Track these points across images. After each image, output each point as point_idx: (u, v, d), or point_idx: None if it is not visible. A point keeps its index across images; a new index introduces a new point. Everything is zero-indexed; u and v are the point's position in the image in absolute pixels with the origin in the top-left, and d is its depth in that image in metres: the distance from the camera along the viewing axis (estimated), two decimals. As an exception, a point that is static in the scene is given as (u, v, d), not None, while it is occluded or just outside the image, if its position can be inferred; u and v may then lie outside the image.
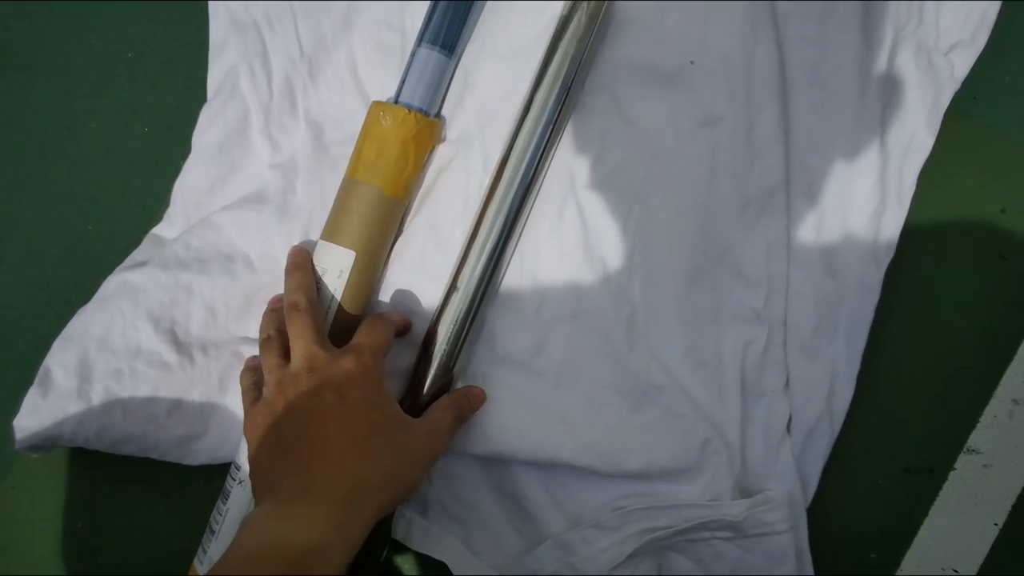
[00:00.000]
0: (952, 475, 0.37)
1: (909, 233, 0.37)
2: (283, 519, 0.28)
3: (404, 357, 0.38)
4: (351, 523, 0.29)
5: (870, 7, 0.36)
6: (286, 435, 0.30)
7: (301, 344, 0.32)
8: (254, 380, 0.35)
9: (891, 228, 0.37)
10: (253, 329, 0.38)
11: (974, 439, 0.37)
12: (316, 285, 0.35)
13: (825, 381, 0.37)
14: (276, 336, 0.34)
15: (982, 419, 0.37)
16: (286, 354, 0.33)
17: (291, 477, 0.30)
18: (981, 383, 0.38)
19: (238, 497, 0.34)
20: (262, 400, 0.32)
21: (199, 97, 0.40)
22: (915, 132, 0.37)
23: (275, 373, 0.32)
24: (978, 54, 0.36)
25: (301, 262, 0.36)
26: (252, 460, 0.31)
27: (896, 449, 0.38)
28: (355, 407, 0.31)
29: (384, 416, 0.32)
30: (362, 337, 0.34)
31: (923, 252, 0.38)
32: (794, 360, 0.38)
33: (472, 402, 0.36)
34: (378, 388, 0.32)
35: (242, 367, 0.37)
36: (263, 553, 0.27)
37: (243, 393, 0.35)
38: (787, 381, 0.38)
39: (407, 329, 0.37)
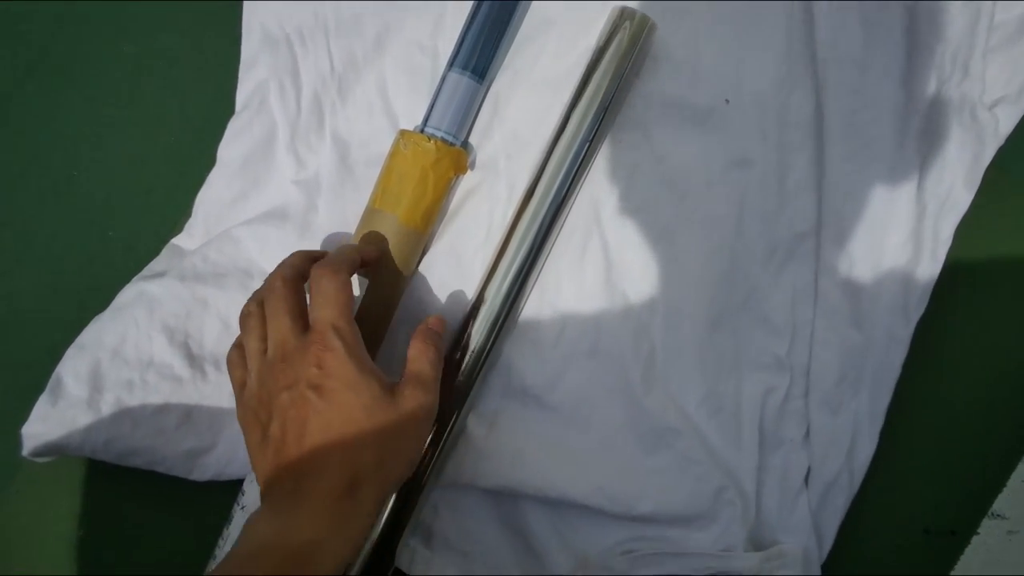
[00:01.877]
0: (975, 540, 0.36)
1: (942, 289, 0.36)
2: (278, 519, 0.28)
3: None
4: (347, 516, 0.29)
5: (913, 57, 0.36)
6: (272, 432, 0.30)
7: (274, 327, 0.31)
8: (239, 354, 0.33)
9: (923, 282, 0.36)
10: (267, 347, 0.37)
11: (999, 504, 0.36)
12: (304, 269, 0.33)
13: (847, 435, 0.36)
14: (256, 312, 0.32)
15: (1009, 483, 0.36)
16: (266, 334, 0.32)
17: (283, 478, 0.29)
18: (1010, 446, 0.37)
19: (240, 524, 0.33)
20: (247, 390, 0.31)
21: (227, 110, 0.40)
22: (953, 187, 0.36)
23: (255, 361, 0.32)
24: (1023, 112, 0.35)
25: (307, 252, 0.35)
26: (249, 454, 0.31)
27: (917, 509, 0.37)
28: (332, 397, 0.30)
29: (364, 397, 0.30)
30: (318, 310, 0.31)
31: (955, 309, 0.37)
32: (815, 412, 0.37)
33: (437, 328, 0.34)
34: (352, 367, 0.30)
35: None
36: (259, 552, 0.27)
37: (229, 368, 0.33)
38: (807, 432, 0.37)
39: (369, 258, 0.35)
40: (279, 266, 0.33)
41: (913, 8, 0.35)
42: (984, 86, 0.36)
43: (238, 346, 0.34)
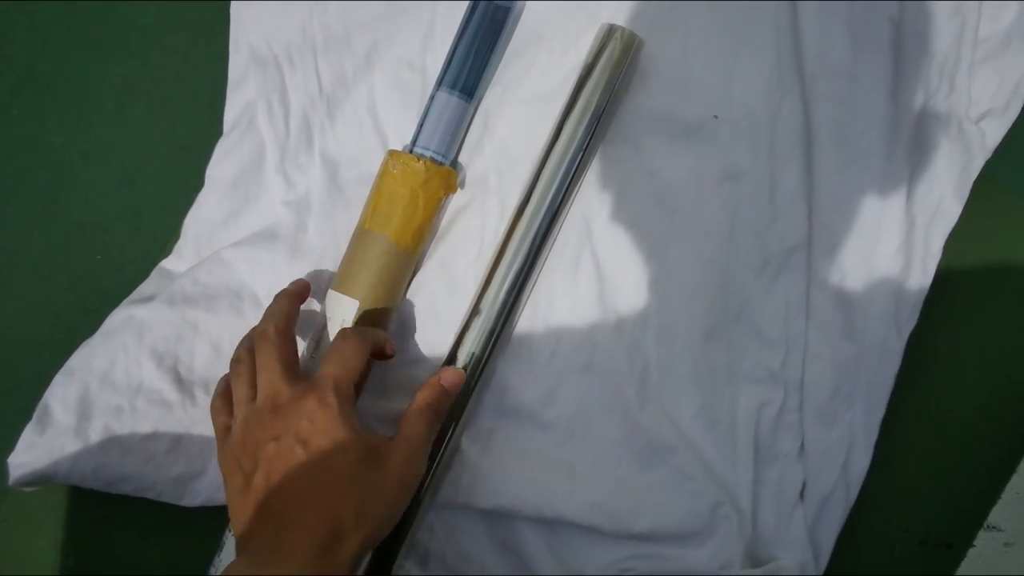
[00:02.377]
0: (971, 552, 0.36)
1: (933, 300, 0.36)
2: (258, 570, 0.28)
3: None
4: (327, 572, 0.29)
5: (900, 71, 0.36)
6: (256, 482, 0.30)
7: (265, 377, 0.31)
8: (224, 400, 0.34)
9: (914, 294, 0.36)
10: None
11: (995, 516, 0.36)
12: (297, 312, 0.34)
13: (841, 448, 0.36)
14: (245, 359, 0.33)
15: (1004, 495, 0.36)
16: (256, 382, 0.32)
17: (262, 529, 0.29)
18: (1004, 457, 0.37)
19: (231, 550, 0.33)
20: (231, 437, 0.31)
21: (215, 130, 0.40)
22: (942, 198, 0.36)
23: (242, 408, 0.32)
24: (1011, 123, 0.36)
25: (291, 289, 0.35)
26: (228, 501, 0.31)
27: (913, 522, 0.37)
28: (319, 454, 0.30)
29: (351, 457, 0.30)
30: (328, 366, 0.32)
31: (947, 320, 0.37)
32: (810, 425, 0.37)
33: (449, 389, 0.34)
34: (343, 426, 0.30)
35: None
36: None
37: (212, 414, 0.34)
38: (802, 446, 0.37)
39: (387, 349, 0.35)
40: (271, 313, 0.33)
41: (899, 22, 0.36)
42: (970, 100, 0.36)
43: (222, 394, 0.34)
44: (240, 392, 0.32)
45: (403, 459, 0.31)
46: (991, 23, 0.36)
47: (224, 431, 0.32)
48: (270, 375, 0.31)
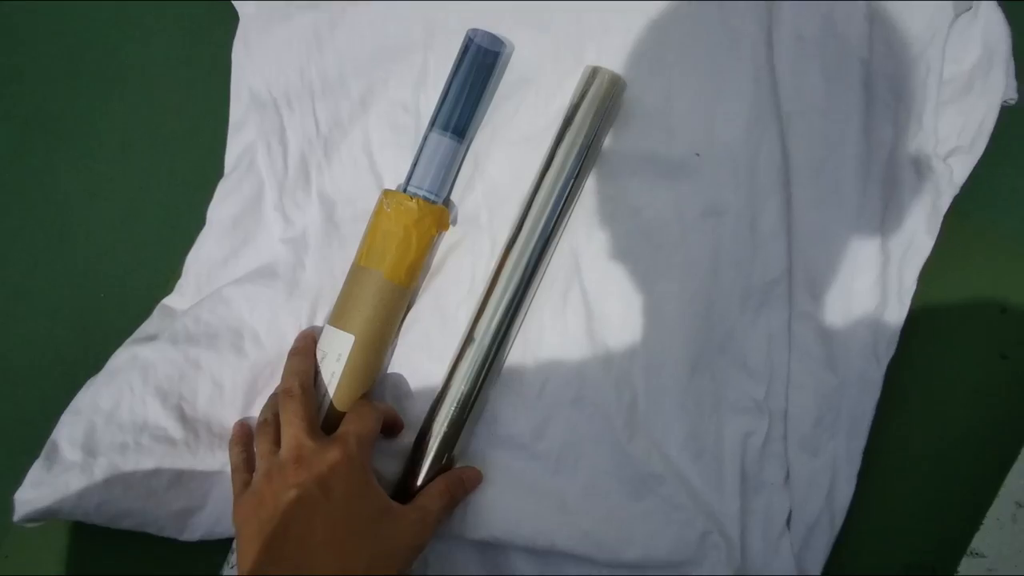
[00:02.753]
0: (955, 578, 0.37)
1: (910, 331, 0.38)
2: None
3: (404, 436, 0.38)
4: None
5: (871, 110, 0.37)
6: (271, 529, 0.31)
7: (290, 432, 0.33)
8: (244, 459, 0.36)
9: (892, 326, 0.37)
10: (257, 406, 0.38)
11: (977, 542, 0.37)
12: (315, 370, 0.36)
13: (826, 477, 0.37)
14: (272, 420, 0.35)
15: (985, 521, 0.37)
16: (279, 440, 0.34)
17: (276, 572, 0.30)
18: (984, 484, 0.38)
19: (232, 584, 0.34)
20: (251, 489, 0.33)
21: (216, 170, 0.42)
22: (915, 233, 0.37)
23: (265, 461, 0.33)
24: (976, 160, 0.37)
25: (302, 347, 0.37)
26: (239, 549, 0.31)
27: (897, 550, 0.38)
28: (339, 503, 0.31)
29: (369, 510, 0.32)
30: (349, 425, 0.34)
31: (924, 350, 0.38)
32: (794, 454, 0.38)
33: (467, 484, 0.36)
34: (363, 480, 0.32)
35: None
36: None
37: (232, 472, 0.35)
38: (787, 475, 0.38)
39: (396, 425, 0.37)
40: (295, 372, 0.35)
41: (869, 63, 0.37)
42: (937, 139, 0.37)
43: (241, 443, 0.36)
44: (264, 447, 0.34)
45: (416, 525, 0.33)
46: (955, 65, 0.37)
47: (243, 487, 0.34)
48: (295, 430, 0.33)
